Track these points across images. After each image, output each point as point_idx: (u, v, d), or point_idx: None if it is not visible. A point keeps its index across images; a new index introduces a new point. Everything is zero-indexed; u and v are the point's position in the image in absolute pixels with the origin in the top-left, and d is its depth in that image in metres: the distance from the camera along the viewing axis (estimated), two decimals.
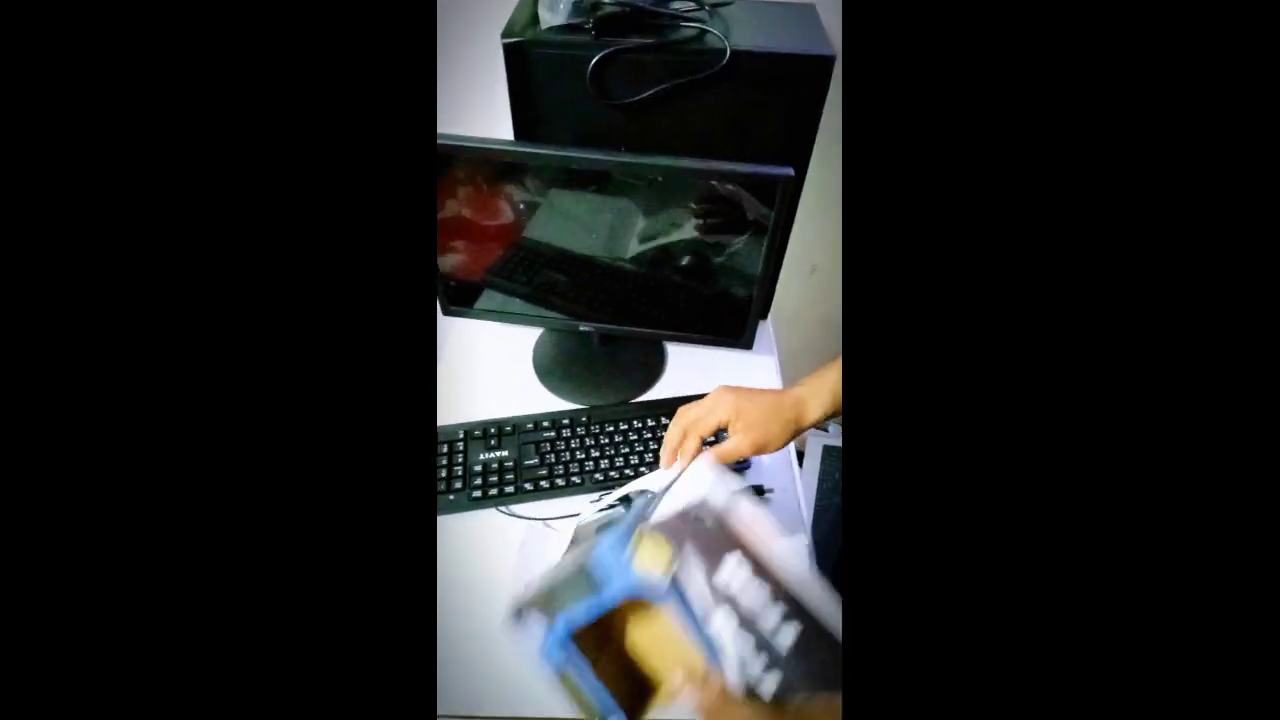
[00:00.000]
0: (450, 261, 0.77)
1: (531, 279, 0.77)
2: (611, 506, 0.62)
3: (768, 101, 0.67)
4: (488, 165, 0.67)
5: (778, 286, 0.90)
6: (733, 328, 0.77)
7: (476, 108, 0.80)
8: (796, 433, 0.59)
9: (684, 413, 0.59)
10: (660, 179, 0.64)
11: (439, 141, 0.64)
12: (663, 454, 0.58)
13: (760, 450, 0.57)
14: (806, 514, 0.74)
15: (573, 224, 0.71)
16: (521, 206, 0.71)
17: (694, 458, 0.56)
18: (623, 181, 0.66)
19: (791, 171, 0.61)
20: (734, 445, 0.56)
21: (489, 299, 0.80)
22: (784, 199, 0.63)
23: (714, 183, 0.64)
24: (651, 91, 0.66)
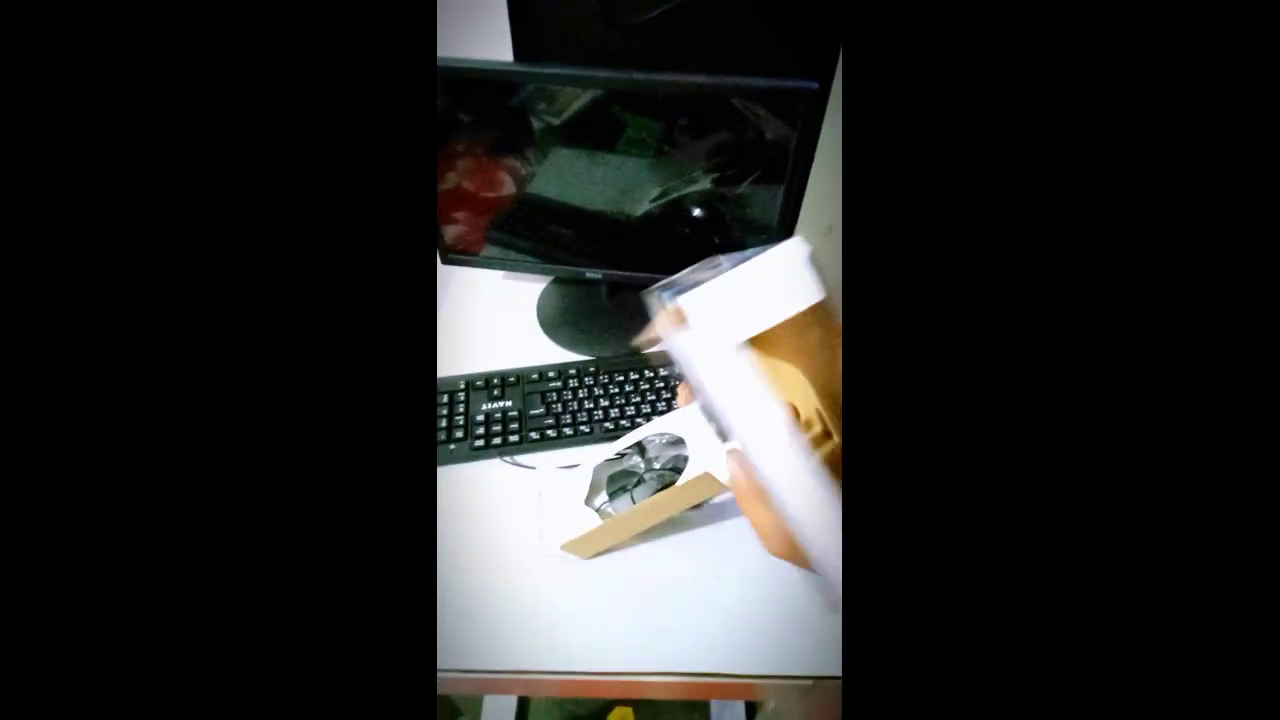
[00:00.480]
0: (452, 230, 0.73)
1: (536, 231, 0.73)
2: (625, 453, 0.59)
3: (788, 16, 0.62)
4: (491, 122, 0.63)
5: None
6: None
7: (474, 43, 0.76)
8: None
9: None
10: (673, 122, 0.60)
11: (439, 64, 0.60)
12: (681, 391, 0.53)
13: None
14: None
15: (579, 180, 0.67)
16: (525, 169, 0.67)
17: None
18: (632, 132, 0.62)
19: (816, 85, 0.57)
20: None
21: (491, 247, 0.75)
22: (808, 115, 0.58)
23: (733, 102, 0.59)
24: (662, 9, 0.61)
